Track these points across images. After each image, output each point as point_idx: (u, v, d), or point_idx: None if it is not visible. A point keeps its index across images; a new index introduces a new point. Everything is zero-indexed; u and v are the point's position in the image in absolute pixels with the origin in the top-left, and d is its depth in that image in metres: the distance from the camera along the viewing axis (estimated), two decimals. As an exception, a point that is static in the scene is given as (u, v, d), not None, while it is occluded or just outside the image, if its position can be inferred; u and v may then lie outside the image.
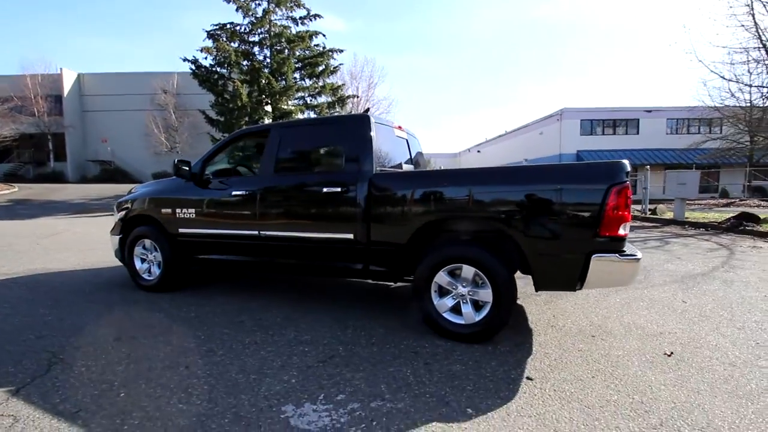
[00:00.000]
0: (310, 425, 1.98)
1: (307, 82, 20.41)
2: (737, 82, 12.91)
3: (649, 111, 27.60)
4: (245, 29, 19.20)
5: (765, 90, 14.10)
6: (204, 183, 3.95)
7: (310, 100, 20.57)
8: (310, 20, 20.00)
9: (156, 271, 4.24)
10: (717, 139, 19.47)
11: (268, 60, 19.60)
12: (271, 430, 1.93)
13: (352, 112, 23.98)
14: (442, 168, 3.39)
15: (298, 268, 3.56)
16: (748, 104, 17.09)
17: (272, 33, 19.25)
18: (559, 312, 3.65)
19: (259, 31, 19.24)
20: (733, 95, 16.57)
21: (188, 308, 3.74)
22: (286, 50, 18.76)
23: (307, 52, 19.87)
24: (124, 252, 4.41)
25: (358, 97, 22.99)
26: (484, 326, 2.86)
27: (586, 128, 27.93)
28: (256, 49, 19.58)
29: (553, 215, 2.65)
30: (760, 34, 10.92)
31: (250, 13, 18.78)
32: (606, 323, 3.37)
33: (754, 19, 10.83)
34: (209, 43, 17.87)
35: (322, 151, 3.66)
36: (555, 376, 2.47)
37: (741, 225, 9.12)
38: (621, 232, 2.55)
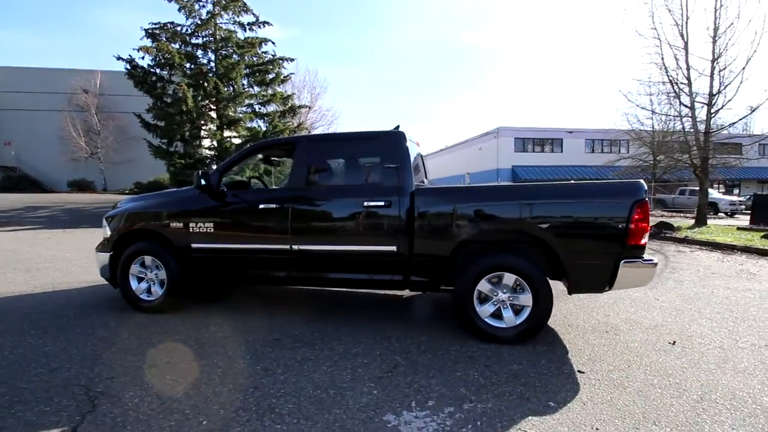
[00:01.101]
0: (423, 430, 2.06)
1: (255, 90, 19.80)
2: (646, 109, 15.11)
3: (571, 132, 31.06)
4: (187, 30, 18.18)
5: (665, 117, 16.63)
6: (221, 195, 3.78)
7: (259, 108, 19.96)
8: (259, 27, 19.50)
9: (158, 290, 3.93)
10: (627, 158, 22.46)
11: (213, 64, 18.71)
12: (388, 440, 1.98)
13: (303, 122, 23.65)
14: (480, 184, 3.64)
15: (335, 281, 3.56)
16: (652, 129, 20.01)
17: (218, 37, 18.45)
18: (566, 313, 4.07)
19: (203, 33, 18.33)
20: (639, 121, 19.30)
21: (207, 329, 3.53)
22: (235, 56, 18.07)
23: (255, 59, 19.34)
24: (116, 270, 4.01)
25: (310, 107, 22.78)
26: (524, 329, 3.13)
27: (519, 146, 30.63)
28: (199, 52, 18.60)
29: (588, 227, 3.02)
30: (668, 71, 13.00)
31: (194, 15, 17.85)
32: (609, 320, 3.84)
33: (663, 60, 12.87)
34: (148, 42, 16.61)
35: (357, 165, 3.72)
36: (599, 368, 2.80)
37: (661, 232, 10.68)
38: (642, 241, 2.99)
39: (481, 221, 3.20)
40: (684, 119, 14.04)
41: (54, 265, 6.45)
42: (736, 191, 31.47)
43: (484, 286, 3.20)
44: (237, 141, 19.02)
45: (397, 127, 3.77)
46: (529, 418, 2.19)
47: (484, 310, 3.22)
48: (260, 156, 4.34)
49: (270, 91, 19.92)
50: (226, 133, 19.09)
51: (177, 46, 17.57)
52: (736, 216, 21.68)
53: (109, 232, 4.09)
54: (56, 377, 2.64)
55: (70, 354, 3.00)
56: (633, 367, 2.83)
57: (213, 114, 18.63)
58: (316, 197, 3.57)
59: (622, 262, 2.96)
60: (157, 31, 17.11)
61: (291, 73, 20.06)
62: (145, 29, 16.65)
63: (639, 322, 3.78)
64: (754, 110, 12.13)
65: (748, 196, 23.89)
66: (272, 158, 4.86)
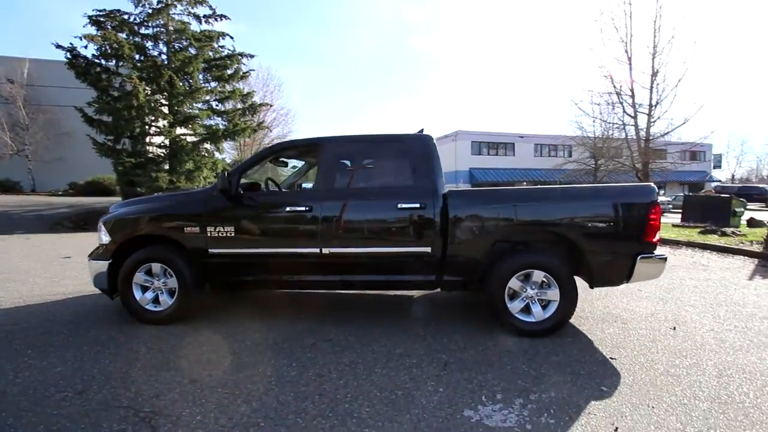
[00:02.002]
0: (506, 422, 2.16)
1: (213, 86, 18.85)
2: (595, 117, 16.47)
3: (522, 137, 32.97)
4: (136, 19, 16.93)
5: (606, 124, 18.18)
6: (242, 197, 3.62)
7: (217, 105, 19.04)
8: (216, 20, 18.61)
9: (167, 300, 3.67)
10: (572, 162, 24.26)
11: (165, 57, 17.57)
12: (476, 431, 2.05)
13: (263, 121, 22.82)
14: (511, 187, 3.80)
15: (367, 283, 3.55)
16: (594, 136, 21.80)
17: (171, 28, 17.36)
18: (571, 306, 4.36)
19: (154, 23, 17.16)
20: (582, 128, 20.95)
21: (233, 338, 3.38)
22: (191, 49, 17.09)
23: (212, 53, 18.42)
24: (116, 280, 3.69)
25: (270, 105, 22.06)
26: (553, 322, 3.34)
27: (476, 149, 31.94)
28: (149, 43, 17.37)
29: (610, 226, 3.29)
30: (614, 83, 14.28)
31: (144, 3, 16.66)
32: (612, 311, 4.18)
33: (610, 73, 14.14)
34: (92, 30, 15.23)
35: (386, 167, 3.72)
36: (626, 354, 3.06)
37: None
38: (656, 238, 3.31)
39: (513, 222, 3.36)
40: (627, 127, 15.46)
41: (11, 276, 5.75)
42: (662, 192, 35.21)
43: (514, 283, 3.37)
44: (192, 139, 17.98)
45: (422, 130, 3.84)
46: (592, 402, 2.36)
47: (515, 306, 3.38)
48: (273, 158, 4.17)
49: (228, 88, 19.07)
50: (181, 131, 17.97)
51: (124, 35, 16.29)
52: (665, 214, 24.24)
53: (106, 239, 3.74)
54: (90, 400, 2.40)
55: (91, 374, 2.74)
56: (652, 351, 3.12)
57: (165, 110, 17.47)
58: (347, 199, 3.53)
59: (640, 257, 3.26)
60: (103, 19, 15.78)
61: (251, 70, 19.37)
62: (89, 16, 15.29)
63: (637, 312, 4.16)
64: (686, 120, 13.62)
65: (674, 197, 26.75)
66: (285, 160, 4.71)
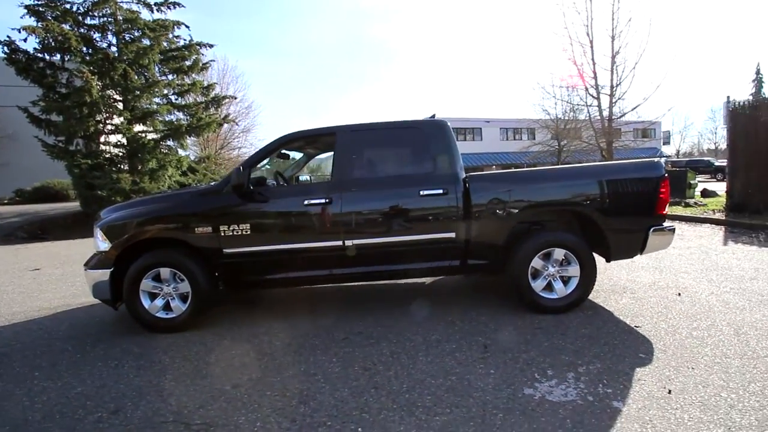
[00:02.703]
0: (567, 396, 2.21)
1: (170, 78, 17.78)
2: (562, 100, 17.06)
3: (488, 121, 33.65)
4: (80, 9, 15.63)
5: (568, 106, 18.91)
6: (255, 194, 3.45)
7: (176, 99, 18.01)
8: (168, 8, 17.52)
9: (180, 305, 3.47)
10: (537, 144, 25.11)
11: (116, 49, 16.38)
12: (543, 408, 2.10)
13: (228, 115, 21.89)
14: (528, 169, 3.85)
15: (391, 273, 3.51)
16: (556, 117, 22.65)
17: (120, 18, 16.18)
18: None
19: (99, 13, 15.91)
20: (545, 110, 21.70)
21: (259, 339, 3.26)
22: (145, 39, 16.01)
23: (166, 43, 17.33)
24: (119, 288, 3.44)
25: (235, 98, 21.14)
26: (575, 298, 3.45)
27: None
28: (96, 35, 16.12)
29: (626, 200, 3.42)
30: (577, 66, 14.81)
31: (87, -10, 15.38)
32: (618, 282, 4.37)
33: (573, 56, 14.65)
34: (31, 21, 13.90)
35: (404, 154, 3.65)
36: (647, 322, 3.22)
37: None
38: (665, 211, 3.48)
39: (534, 203, 3.42)
40: (591, 108, 16.13)
41: (-19, 294, 5.22)
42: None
43: (536, 262, 3.44)
44: (153, 136, 16.98)
45: (433, 116, 3.81)
46: (637, 369, 2.47)
47: (538, 285, 3.47)
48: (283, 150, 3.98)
49: (188, 80, 18.10)
50: (139, 128, 16.92)
51: (68, 26, 15.00)
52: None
53: (105, 245, 3.46)
54: (129, 418, 2.24)
55: (118, 390, 2.55)
56: (669, 317, 3.31)
57: (120, 106, 16.36)
58: (368, 189, 3.45)
59: (652, 229, 3.42)
60: (42, 9, 14.44)
61: (211, 60, 18.42)
62: (26, 6, 13.93)
63: (639, 282, 4.38)
64: (645, 99, 14.39)
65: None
66: (287, 152, 4.52)
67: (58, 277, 6.16)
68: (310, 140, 4.05)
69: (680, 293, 3.91)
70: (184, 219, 3.43)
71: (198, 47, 17.66)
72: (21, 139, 18.93)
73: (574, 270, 3.45)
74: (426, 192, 3.37)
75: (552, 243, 3.41)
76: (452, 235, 3.39)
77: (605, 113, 15.73)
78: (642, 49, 14.44)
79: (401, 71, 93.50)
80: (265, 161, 3.72)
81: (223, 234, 3.38)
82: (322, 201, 3.38)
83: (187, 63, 17.42)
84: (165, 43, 16.89)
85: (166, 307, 3.49)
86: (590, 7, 14.62)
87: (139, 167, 15.61)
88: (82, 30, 15.36)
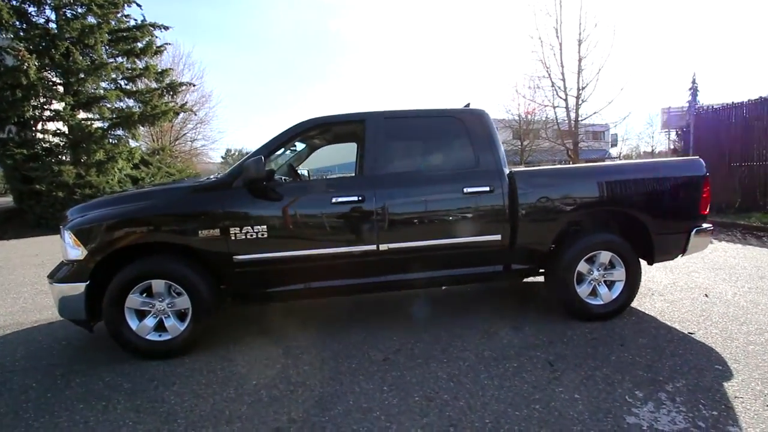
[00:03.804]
0: (675, 422, 1.96)
1: (119, 61, 16.14)
2: (532, 101, 17.45)
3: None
4: (9, -23, 13.74)
5: (539, 105, 19.35)
6: (271, 189, 2.91)
7: (127, 85, 16.39)
8: (118, -16, 15.89)
9: (177, 325, 2.87)
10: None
11: (54, 26, 14.57)
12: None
13: (186, 102, 20.32)
14: (575, 165, 3.57)
15: (430, 280, 3.11)
16: (519, 119, 23.27)
17: (59, -10, 14.40)
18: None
19: (34, -17, 14.08)
20: (508, 111, 22.20)
21: (281, 365, 2.76)
22: (91, 17, 14.38)
23: (114, 22, 15.70)
24: (102, 307, 2.79)
25: (193, 85, 19.59)
26: (620, 303, 3.25)
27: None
28: (32, 8, 14.26)
29: (672, 200, 3.25)
30: (547, 68, 15.19)
31: (20, -44, 13.56)
32: (649, 285, 4.22)
33: (543, 58, 15.00)
34: (-51, -13, 11.97)
35: (443, 147, 3.23)
36: (696, 328, 3.07)
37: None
38: (707, 211, 3.36)
39: (582, 202, 3.17)
40: (557, 109, 16.57)
41: None
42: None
43: (582, 266, 3.20)
44: (99, 124, 15.35)
45: (468, 104, 3.44)
46: (725, 384, 2.28)
47: (583, 290, 3.22)
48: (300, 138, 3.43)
49: (140, 64, 16.55)
50: (83, 115, 15.22)
51: (-3, -4, 13.10)
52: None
53: (77, 252, 2.77)
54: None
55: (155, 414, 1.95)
56: (714, 321, 3.18)
57: (61, 89, 14.60)
58: (405, 185, 3.02)
59: (694, 230, 3.28)
60: (-37, -27, 12.49)
61: (166, 43, 16.93)
62: (-57, -33, 11.96)
63: (661, 282, 4.28)
64: (610, 103, 15.01)
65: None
66: (315, 140, 3.95)
67: (4, 286, 5.16)
68: (333, 128, 3.53)
69: (707, 294, 3.84)
70: (184, 219, 2.83)
71: (151, 28, 16.15)
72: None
73: (620, 273, 3.24)
74: (471, 189, 3.00)
75: (599, 245, 3.18)
76: (497, 237, 3.06)
77: (572, 114, 16.20)
78: (607, 54, 15.00)
79: (359, 65, 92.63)
80: (280, 151, 3.18)
81: (233, 238, 2.81)
82: (354, 198, 2.91)
83: (140, 45, 15.89)
84: (114, 22, 15.28)
85: (159, 327, 2.87)
86: (560, 10, 14.98)
87: (84, 159, 14.02)
88: (13, 2, 13.48)
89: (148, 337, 2.84)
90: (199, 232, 2.79)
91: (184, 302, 2.85)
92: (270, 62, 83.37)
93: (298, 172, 4.03)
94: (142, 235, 2.78)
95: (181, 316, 2.89)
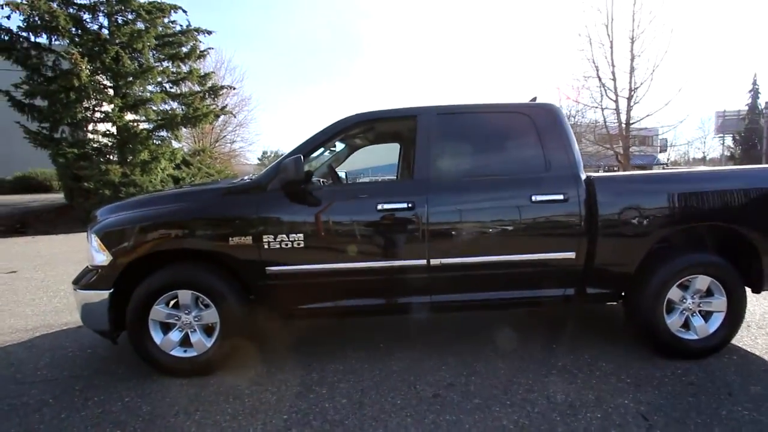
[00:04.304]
0: None
1: (165, 65, 16.64)
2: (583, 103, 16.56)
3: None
4: (68, -15, 14.47)
5: (586, 107, 18.31)
6: (309, 193, 2.58)
7: (171, 88, 16.87)
8: (165, -10, 16.42)
9: (204, 340, 2.59)
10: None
11: (107, 31, 15.21)
12: None
13: (227, 105, 20.84)
14: (668, 170, 3.05)
15: (487, 302, 2.68)
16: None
17: (112, -2, 15.02)
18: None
19: (90, -9, 14.76)
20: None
21: (314, 393, 2.42)
22: (140, 22, 14.91)
23: (161, 28, 16.22)
24: (123, 315, 2.55)
25: (234, 88, 20.03)
26: (720, 338, 2.69)
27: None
28: (86, 15, 14.94)
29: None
30: (597, 68, 14.31)
31: (76, -34, 14.26)
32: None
33: (593, 57, 14.13)
34: (14, -4, 12.71)
35: (508, 147, 2.81)
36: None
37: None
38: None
39: (678, 214, 2.63)
40: (605, 111, 15.55)
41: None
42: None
43: (674, 292, 2.66)
44: (145, 125, 15.87)
45: (534, 99, 2.99)
46: None
47: (674, 322, 2.68)
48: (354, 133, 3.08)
49: (185, 68, 17.00)
50: (131, 116, 15.79)
51: (56, 5, 13.82)
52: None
53: (103, 257, 2.56)
54: None
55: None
56: None
57: (111, 92, 15.21)
58: (462, 191, 2.62)
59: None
60: (27, -17, 13.25)
61: (209, 48, 17.35)
62: (7, -22, 12.73)
63: (760, 313, 3.62)
64: (667, 104, 13.90)
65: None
66: (356, 140, 3.64)
67: (38, 284, 5.19)
68: (379, 125, 3.17)
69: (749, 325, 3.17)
70: (214, 224, 2.56)
71: (195, 33, 16.60)
72: (1, 124, 17.59)
73: (719, 303, 2.67)
74: (540, 198, 2.55)
75: (696, 268, 2.63)
76: (571, 255, 2.58)
77: (623, 116, 15.17)
78: (663, 52, 13.96)
79: (374, 66, 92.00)
80: (319, 151, 2.86)
81: (267, 246, 2.50)
82: (403, 205, 2.53)
83: (184, 50, 16.36)
84: (160, 28, 15.81)
85: (184, 341, 2.61)
86: (611, 7, 14.10)
87: (130, 159, 14.52)
88: (71, 9, 14.21)
89: (172, 352, 2.58)
90: (230, 239, 2.50)
91: (211, 316, 2.57)
92: (305, 65, 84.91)
93: (338, 174, 3.71)
94: (168, 241, 2.53)
95: (208, 330, 2.62)
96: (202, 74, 17.33)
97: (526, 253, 2.58)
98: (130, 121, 14.89)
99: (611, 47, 14.56)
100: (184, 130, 18.52)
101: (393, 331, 3.30)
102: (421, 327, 3.35)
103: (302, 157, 2.45)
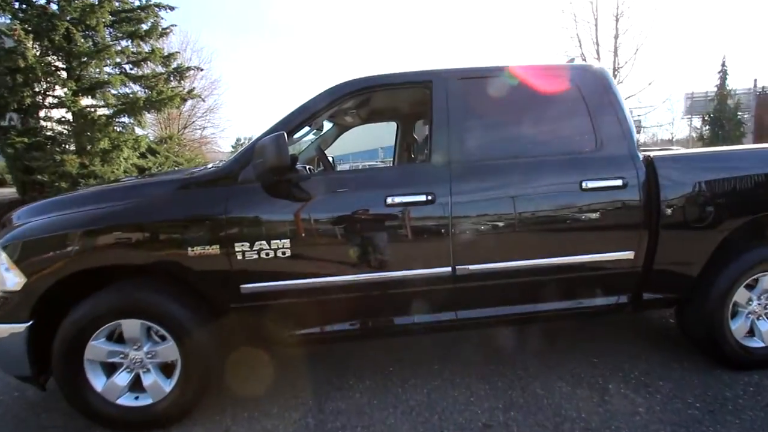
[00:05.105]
0: None
1: (124, 44, 15.23)
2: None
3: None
4: (5, -46, 12.86)
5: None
6: (292, 185, 1.96)
7: (132, 69, 15.50)
8: (119, -40, 14.91)
9: (161, 383, 1.99)
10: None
11: (55, 6, 13.69)
12: None
13: (194, 88, 19.52)
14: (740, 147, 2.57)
15: (526, 316, 2.15)
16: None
17: (58, -32, 13.48)
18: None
19: (32, -40, 13.19)
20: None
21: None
22: (92, -5, 13.46)
23: (116, 3, 14.77)
24: (45, 354, 1.91)
25: (201, 69, 18.64)
26: (794, 345, 2.26)
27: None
28: (27, -13, 13.37)
29: None
30: (581, 45, 14.05)
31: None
32: None
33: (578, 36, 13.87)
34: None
35: (548, 120, 2.24)
36: None
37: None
38: None
39: (756, 200, 2.16)
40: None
41: None
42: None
43: (741, 293, 2.21)
44: (104, 111, 14.57)
45: (572, 60, 2.43)
46: None
47: (739, 328, 2.24)
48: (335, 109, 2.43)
49: (146, 47, 15.61)
50: (88, 101, 14.44)
51: (-9, -26, 12.27)
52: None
53: (16, 280, 1.88)
54: None
55: None
56: None
57: (64, 75, 13.80)
58: (492, 177, 2.05)
59: None
60: (-46, -52, 11.67)
61: (172, 25, 15.98)
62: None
63: None
64: (650, 84, 13.83)
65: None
66: (347, 117, 2.99)
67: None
68: (379, 95, 2.54)
69: None
70: (166, 230, 1.91)
71: (156, 9, 15.20)
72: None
73: (790, 304, 2.24)
74: (593, 183, 2.03)
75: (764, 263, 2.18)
76: (629, 254, 2.08)
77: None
78: (647, 31, 13.80)
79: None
80: (305, 129, 2.21)
81: (240, 257, 1.89)
82: (420, 198, 1.95)
83: (144, 27, 14.97)
84: (116, 2, 14.38)
85: (135, 385, 1.98)
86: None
87: (89, 147, 13.31)
88: (10, -21, 12.65)
89: (120, 401, 1.97)
90: (189, 249, 1.86)
91: (170, 351, 1.96)
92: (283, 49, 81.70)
93: (329, 159, 3.06)
94: (104, 255, 1.87)
95: (167, 370, 2.00)
96: (166, 54, 15.99)
97: (575, 255, 2.08)
98: (86, 106, 13.59)
99: (596, 25, 14.23)
100: (148, 115, 17.22)
101: (400, 348, 2.75)
102: (434, 340, 2.81)
103: (285, 135, 1.81)
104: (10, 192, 15.15)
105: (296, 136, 2.26)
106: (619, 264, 2.14)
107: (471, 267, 2.04)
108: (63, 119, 13.56)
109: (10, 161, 12.76)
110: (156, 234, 1.92)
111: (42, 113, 13.46)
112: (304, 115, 2.10)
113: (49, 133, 13.31)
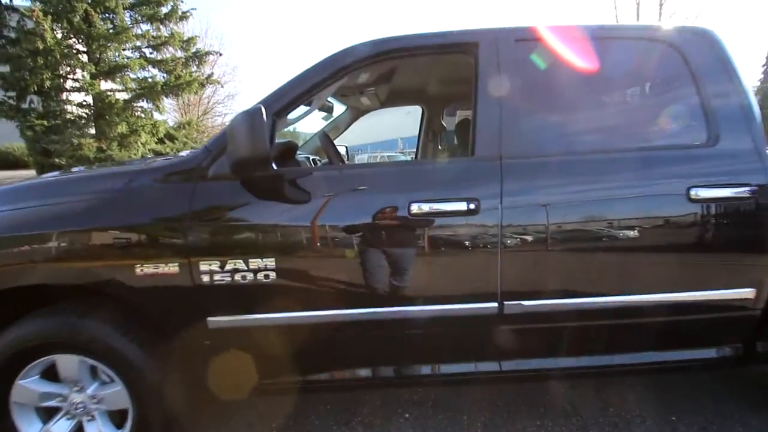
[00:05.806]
0: None
1: (143, 28, 15.03)
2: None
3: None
4: (27, -64, 12.74)
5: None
6: (279, 181, 1.44)
7: (151, 53, 15.30)
8: (140, -58, 14.63)
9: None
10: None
11: (76, -12, 13.53)
12: None
13: (213, 73, 19.34)
14: None
15: (598, 371, 1.59)
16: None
17: (78, -51, 13.28)
18: None
19: (53, -59, 13.04)
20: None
21: None
22: (111, -23, 13.24)
23: (137, -16, 14.52)
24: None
25: (221, 54, 18.35)
26: None
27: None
28: (50, -32, 13.25)
29: None
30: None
31: None
32: None
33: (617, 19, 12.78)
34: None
35: (640, 100, 1.65)
36: None
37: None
38: None
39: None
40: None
41: None
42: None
43: None
44: (123, 96, 14.45)
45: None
46: None
47: None
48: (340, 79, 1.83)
49: (165, 31, 15.37)
50: (107, 85, 14.35)
51: (14, -45, 12.20)
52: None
53: None
54: None
55: None
56: None
57: (84, 57, 13.70)
58: (561, 180, 1.47)
59: None
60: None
61: (192, 9, 15.65)
62: None
63: None
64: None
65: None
66: (364, 97, 2.45)
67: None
68: (403, 63, 1.94)
69: None
70: (108, 239, 1.42)
71: (176, -8, 14.89)
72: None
73: None
74: (705, 192, 1.42)
75: None
76: (750, 293, 1.47)
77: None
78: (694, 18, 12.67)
79: None
80: (299, 107, 1.65)
81: (207, 279, 1.39)
82: (459, 207, 1.40)
83: (164, 10, 14.73)
84: (137, -16, 14.14)
85: (78, 436, 1.53)
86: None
87: (107, 131, 13.23)
88: (30, -39, 12.55)
89: (54, 457, 1.50)
90: (138, 266, 1.36)
91: (118, 397, 1.48)
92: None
93: (337, 150, 2.49)
94: (25, 272, 1.40)
95: (117, 418, 1.53)
96: (186, 38, 15.72)
97: (671, 292, 1.47)
98: (105, 90, 13.48)
99: (637, 9, 13.13)
100: (167, 101, 17.10)
101: (404, 397, 2.18)
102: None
103: (264, 111, 1.27)
104: (30, 175, 15.33)
105: (291, 117, 1.72)
106: (733, 305, 1.55)
107: (525, 303, 1.46)
108: (84, 103, 13.53)
109: (29, 143, 12.81)
110: (91, 245, 1.43)
111: (63, 96, 13.46)
112: (300, 88, 1.52)
113: (69, 117, 13.31)
